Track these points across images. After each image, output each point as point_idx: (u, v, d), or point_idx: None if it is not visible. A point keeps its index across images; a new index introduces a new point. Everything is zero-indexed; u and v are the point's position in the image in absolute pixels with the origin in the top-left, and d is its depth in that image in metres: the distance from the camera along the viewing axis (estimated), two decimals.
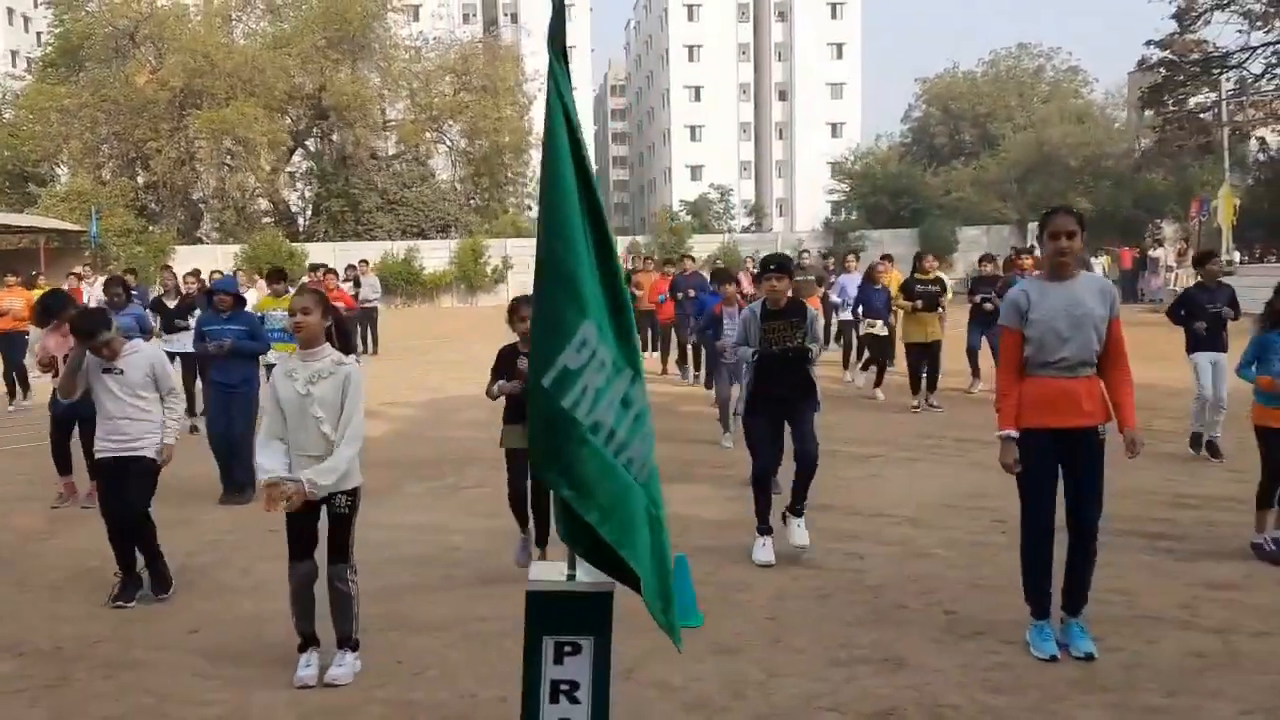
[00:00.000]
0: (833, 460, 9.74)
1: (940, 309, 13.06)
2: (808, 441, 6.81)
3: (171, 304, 13.03)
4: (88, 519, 7.83)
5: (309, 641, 5.12)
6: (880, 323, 13.92)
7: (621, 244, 42.53)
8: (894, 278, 15.15)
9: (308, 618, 5.11)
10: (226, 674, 5.17)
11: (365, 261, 24.82)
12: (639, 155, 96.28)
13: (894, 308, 13.77)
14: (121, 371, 6.33)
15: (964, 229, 41.90)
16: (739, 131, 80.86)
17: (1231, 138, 36.98)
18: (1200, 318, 9.65)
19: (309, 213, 46.28)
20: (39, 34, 59.57)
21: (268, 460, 4.97)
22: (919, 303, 12.86)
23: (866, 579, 6.48)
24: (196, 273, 14.69)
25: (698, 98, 79.44)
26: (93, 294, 17.21)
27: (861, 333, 14.77)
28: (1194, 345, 9.74)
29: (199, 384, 11.64)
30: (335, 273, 16.32)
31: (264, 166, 41.86)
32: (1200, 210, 33.91)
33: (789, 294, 7.02)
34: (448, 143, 47.00)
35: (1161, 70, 38.15)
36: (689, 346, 16.12)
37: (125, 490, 6.30)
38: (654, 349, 18.41)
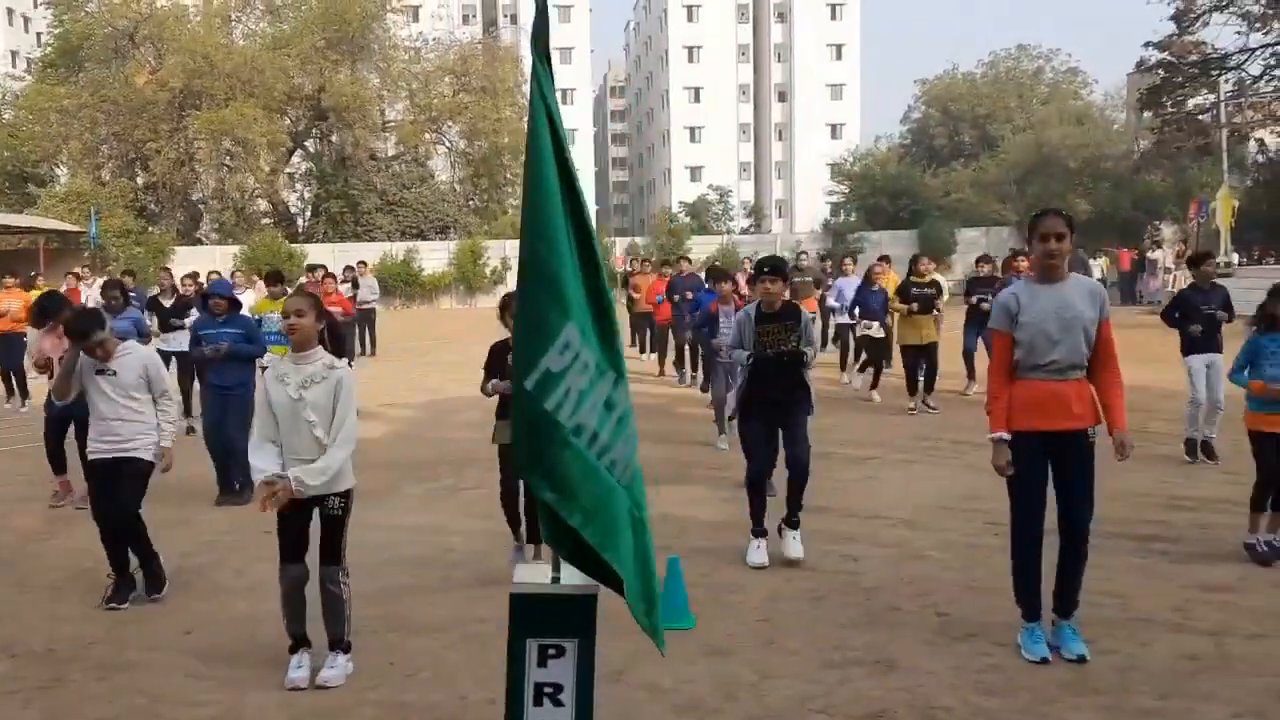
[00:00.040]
0: (829, 462, 9.77)
1: (936, 311, 13.07)
2: (800, 447, 6.83)
3: (168, 303, 13.05)
4: (86, 520, 7.81)
5: (300, 643, 5.13)
6: (877, 324, 13.92)
7: (621, 245, 42.57)
8: (891, 279, 15.16)
9: (299, 619, 5.12)
10: (219, 675, 5.18)
11: (364, 263, 24.82)
12: (638, 156, 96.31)
13: (891, 310, 13.78)
14: (115, 373, 6.35)
15: (963, 230, 41.95)
16: (738, 133, 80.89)
17: (1230, 139, 37.01)
18: (1195, 320, 9.62)
19: (308, 214, 46.29)
20: (39, 34, 59.59)
21: (261, 461, 4.99)
22: (914, 306, 12.87)
23: (861, 581, 6.49)
24: (195, 275, 14.70)
25: (697, 99, 79.46)
26: (91, 295, 17.23)
27: (858, 335, 14.77)
28: (1189, 348, 9.72)
29: (196, 385, 11.64)
30: (334, 276, 16.29)
31: (263, 167, 41.86)
32: (1199, 212, 33.92)
33: (784, 297, 7.03)
34: (447, 144, 47.00)
35: (1160, 72, 38.16)
36: (686, 348, 16.13)
37: (117, 491, 6.31)
38: (652, 350, 18.44)
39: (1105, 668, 5.01)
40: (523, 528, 6.73)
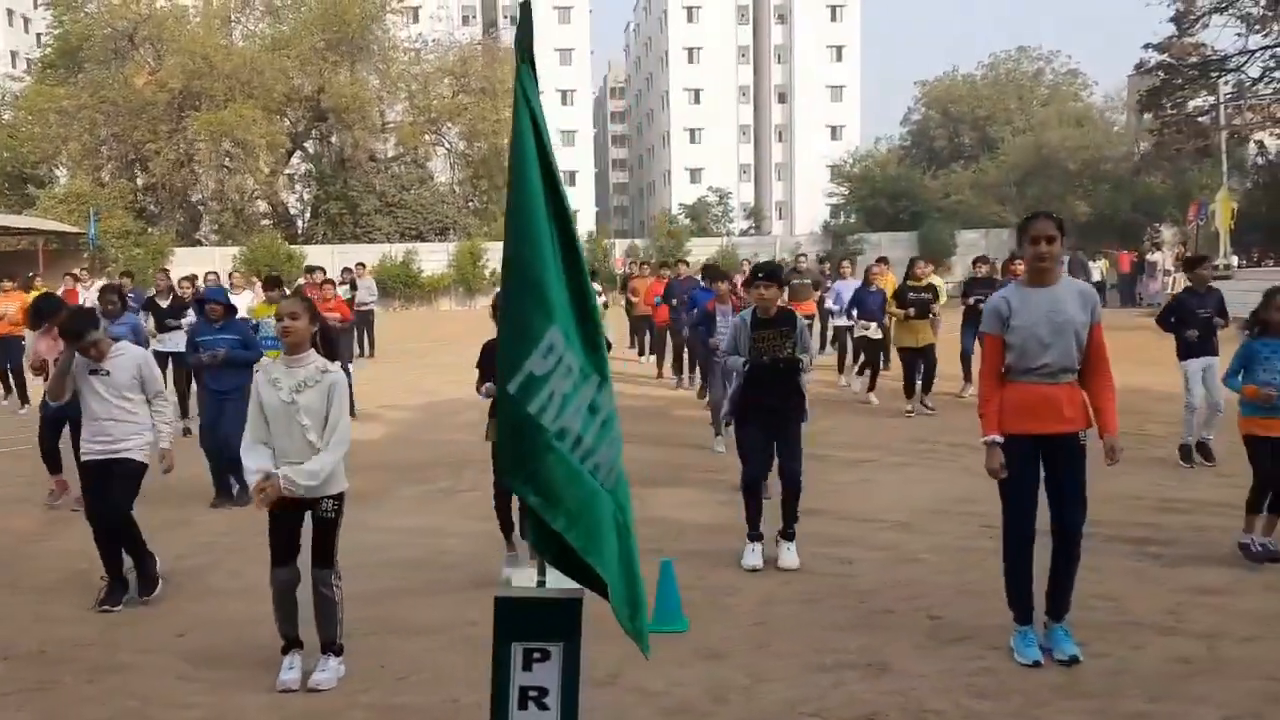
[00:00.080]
0: (825, 465, 9.77)
1: (932, 315, 13.06)
2: (794, 459, 6.85)
3: (164, 304, 13.05)
4: (80, 522, 7.79)
5: (292, 644, 5.14)
6: (874, 325, 13.93)
7: (620, 247, 42.58)
8: (889, 280, 15.17)
9: (291, 621, 5.13)
10: (211, 677, 5.19)
11: (362, 264, 24.78)
12: (638, 158, 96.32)
13: (888, 314, 13.77)
14: (108, 373, 6.36)
15: (963, 232, 41.97)
16: (738, 134, 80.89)
17: (1230, 141, 37.01)
18: (1191, 324, 9.58)
19: (307, 215, 46.29)
20: (39, 35, 59.62)
21: (253, 461, 5.00)
22: (911, 310, 12.87)
23: (855, 584, 6.49)
24: (193, 279, 14.70)
25: (697, 100, 79.46)
26: (88, 297, 17.22)
27: (856, 335, 14.77)
28: (1185, 352, 9.70)
29: (193, 386, 11.64)
30: (332, 282, 16.22)
31: (262, 169, 41.87)
32: (1198, 214, 33.94)
33: (779, 303, 7.03)
34: (446, 145, 47.00)
35: (1160, 74, 38.14)
36: (685, 351, 16.11)
37: (108, 492, 6.32)
38: (651, 352, 18.43)
39: (1097, 671, 5.01)
40: (515, 533, 6.72)
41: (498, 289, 3.94)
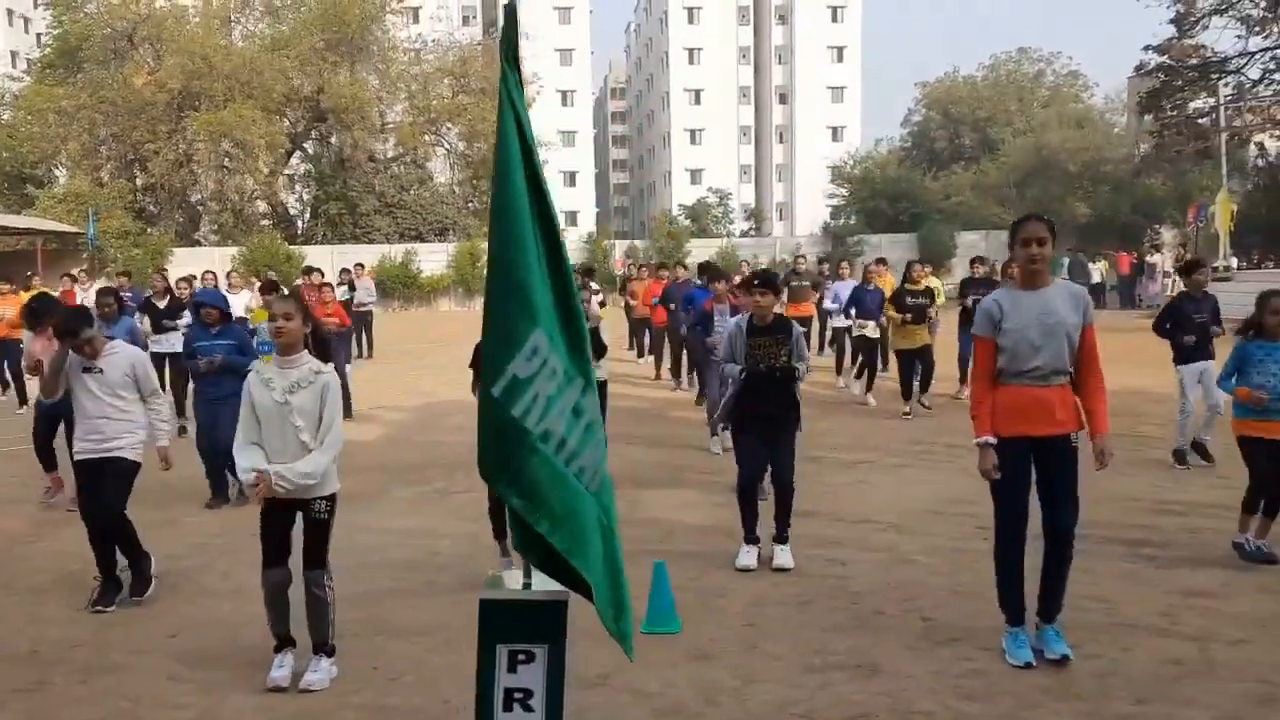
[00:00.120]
0: (821, 467, 9.78)
1: (929, 319, 13.07)
2: (785, 469, 6.88)
3: (161, 305, 13.05)
4: (74, 522, 7.82)
5: (284, 642, 5.15)
6: (872, 323, 13.94)
7: (620, 247, 42.57)
8: (887, 281, 15.18)
9: (283, 621, 5.13)
10: (202, 678, 5.19)
11: (361, 265, 24.81)
12: (639, 158, 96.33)
13: (886, 316, 13.77)
14: (101, 371, 6.36)
15: (963, 234, 41.94)
16: (739, 135, 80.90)
17: (1230, 143, 37.00)
18: (1188, 329, 9.57)
19: (307, 215, 46.28)
20: (38, 35, 59.64)
21: (246, 460, 5.00)
22: (908, 316, 12.87)
23: (848, 585, 6.49)
24: (190, 279, 14.71)
25: (698, 101, 79.46)
26: (86, 299, 17.22)
27: (854, 334, 14.78)
28: (1181, 357, 9.69)
29: (190, 386, 11.63)
30: (331, 285, 16.22)
31: (262, 169, 41.86)
32: (1198, 216, 33.95)
33: (775, 310, 7.03)
34: (446, 145, 46.96)
35: (1160, 75, 38.14)
36: (684, 354, 16.09)
37: (101, 490, 6.33)
38: (650, 353, 18.42)
39: (1087, 673, 5.01)
40: (509, 538, 6.72)
41: None
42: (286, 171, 46.51)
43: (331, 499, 5.12)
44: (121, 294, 11.64)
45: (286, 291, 9.81)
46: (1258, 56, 36.68)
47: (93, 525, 6.35)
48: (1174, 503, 8.37)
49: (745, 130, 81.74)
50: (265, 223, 44.43)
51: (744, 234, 51.96)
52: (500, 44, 3.22)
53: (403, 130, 44.77)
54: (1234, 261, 32.87)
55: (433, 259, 40.08)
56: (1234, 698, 4.74)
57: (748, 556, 6.86)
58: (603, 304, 14.94)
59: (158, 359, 11.44)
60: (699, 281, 14.08)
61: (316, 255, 34.75)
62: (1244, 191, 41.52)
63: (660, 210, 60.70)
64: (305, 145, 46.31)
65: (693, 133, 79.33)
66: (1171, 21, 37.60)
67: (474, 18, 72.04)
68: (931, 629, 5.67)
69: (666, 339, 16.94)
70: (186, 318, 12.17)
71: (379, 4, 44.33)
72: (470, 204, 46.19)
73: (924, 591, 6.31)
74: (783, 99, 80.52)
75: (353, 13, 42.34)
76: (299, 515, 5.10)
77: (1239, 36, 36.71)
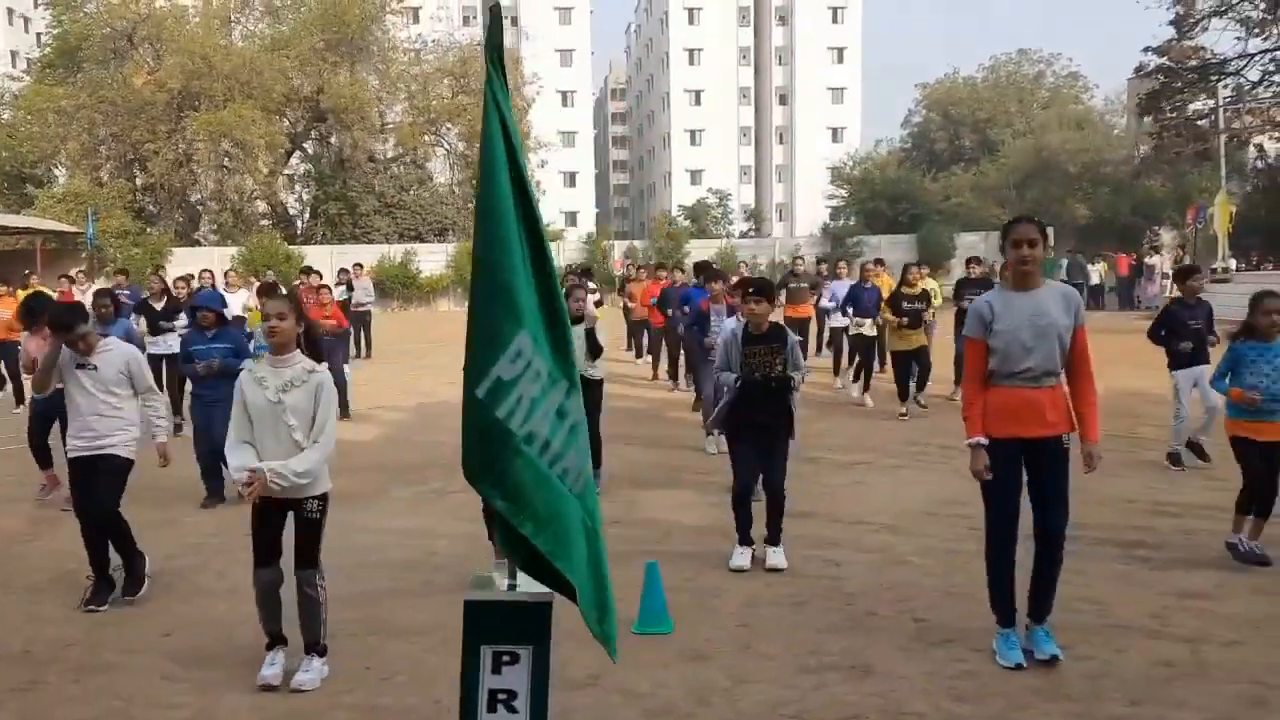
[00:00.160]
0: (817, 467, 9.79)
1: (925, 322, 13.09)
2: (777, 477, 6.89)
3: (158, 305, 13.04)
4: (69, 521, 7.82)
5: (276, 640, 5.16)
6: (869, 322, 13.96)
7: (620, 248, 42.56)
8: (885, 281, 15.19)
9: (275, 619, 5.15)
10: (195, 677, 5.19)
11: (360, 265, 24.78)
12: (639, 159, 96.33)
13: (882, 319, 13.78)
14: (95, 367, 6.37)
15: (962, 235, 41.88)
16: (739, 136, 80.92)
17: (1229, 145, 37.00)
18: (1183, 335, 9.57)
19: (306, 215, 46.24)
20: (38, 35, 59.61)
21: (238, 459, 5.01)
22: (905, 320, 12.89)
23: (842, 586, 6.49)
24: (188, 279, 14.71)
25: (698, 102, 79.47)
26: (84, 300, 17.20)
27: (850, 333, 14.78)
28: (1176, 362, 9.71)
29: (187, 386, 11.63)
30: (329, 287, 16.18)
31: (261, 169, 41.81)
32: (1196, 217, 33.94)
33: (770, 318, 7.03)
34: (446, 146, 46.92)
35: (1159, 77, 38.16)
36: (681, 355, 16.08)
37: (94, 488, 6.34)
38: (648, 353, 18.42)
39: (1079, 674, 5.02)
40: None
41: None
42: (286, 171, 46.47)
43: (323, 498, 5.13)
44: (118, 293, 11.64)
45: (284, 291, 9.82)
46: (1257, 58, 36.70)
47: (87, 522, 6.37)
48: (1169, 504, 8.38)
49: (745, 131, 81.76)
50: (265, 223, 44.37)
51: (743, 235, 51.94)
52: (485, 45, 3.21)
53: (402, 130, 44.72)
54: (1233, 263, 32.86)
55: (432, 259, 40.05)
56: (1227, 699, 4.75)
57: (742, 557, 6.87)
58: (599, 304, 14.94)
59: (154, 361, 11.45)
60: (695, 282, 14.08)
61: (316, 255, 34.74)
62: (1243, 193, 41.49)
63: (660, 211, 60.70)
64: (305, 145, 46.27)
65: (693, 133, 79.34)
66: (1171, 23, 37.66)
67: (474, 18, 72.01)
68: (924, 630, 5.67)
69: (664, 340, 16.93)
70: (183, 319, 12.16)
71: (379, 4, 44.27)
72: (470, 204, 46.10)
73: (917, 593, 6.32)
74: (783, 100, 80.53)
75: (353, 13, 42.30)
76: (290, 515, 5.10)
77: (1238, 38, 36.77)
